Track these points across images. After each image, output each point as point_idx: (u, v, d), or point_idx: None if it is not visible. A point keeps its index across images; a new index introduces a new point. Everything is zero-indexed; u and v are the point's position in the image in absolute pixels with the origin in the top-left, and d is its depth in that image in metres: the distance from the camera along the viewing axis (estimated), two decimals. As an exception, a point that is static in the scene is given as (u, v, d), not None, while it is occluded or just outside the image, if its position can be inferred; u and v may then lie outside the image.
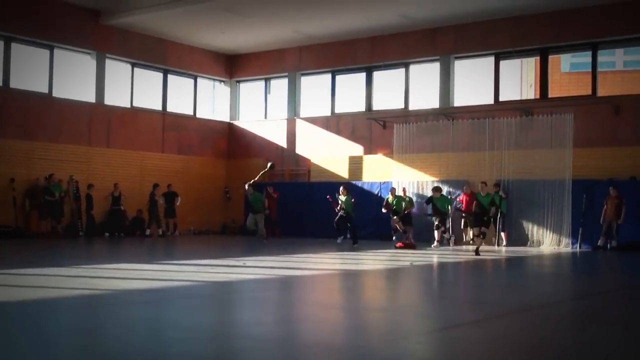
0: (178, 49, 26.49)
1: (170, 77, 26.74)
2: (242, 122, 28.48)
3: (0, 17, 21.05)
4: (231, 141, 28.39)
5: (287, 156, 26.82)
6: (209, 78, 28.41)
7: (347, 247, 18.75)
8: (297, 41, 25.94)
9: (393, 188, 22.08)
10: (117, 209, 23.20)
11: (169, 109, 26.62)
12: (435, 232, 19.94)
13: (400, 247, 19.05)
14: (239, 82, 28.90)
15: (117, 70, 25.01)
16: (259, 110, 28.51)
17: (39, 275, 10.36)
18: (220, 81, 28.80)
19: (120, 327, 6.35)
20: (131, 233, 23.43)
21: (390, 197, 21.37)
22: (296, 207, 24.98)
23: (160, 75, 26.41)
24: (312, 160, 26.14)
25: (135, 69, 25.49)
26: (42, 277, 10.15)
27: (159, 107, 26.31)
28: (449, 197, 21.51)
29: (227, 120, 28.71)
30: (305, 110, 27.12)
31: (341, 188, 20.76)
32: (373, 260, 15.27)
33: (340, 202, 20.54)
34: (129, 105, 25.19)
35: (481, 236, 17.90)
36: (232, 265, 12.99)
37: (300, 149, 26.59)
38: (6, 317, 6.79)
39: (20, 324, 6.38)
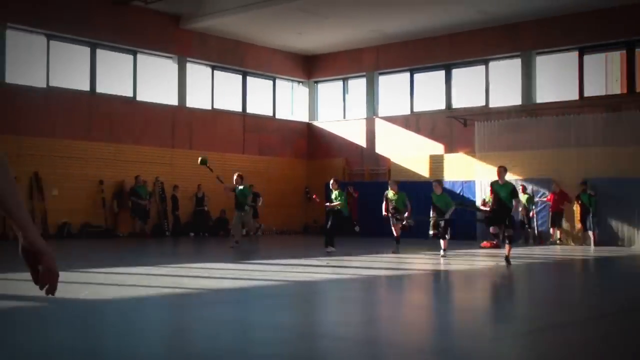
0: (256, 51, 26.82)
1: (249, 79, 27.10)
2: (321, 123, 28.61)
3: (86, 24, 21.75)
4: (310, 141, 28.56)
5: (367, 156, 26.79)
6: (288, 79, 28.66)
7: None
8: (375, 40, 25.88)
9: (392, 182, 18.05)
10: (201, 210, 23.68)
11: (249, 110, 26.98)
12: (435, 235, 15.77)
13: (485, 247, 18.76)
14: (317, 82, 29.05)
15: (198, 73, 25.52)
16: (338, 110, 28.58)
17: (129, 274, 10.65)
18: (299, 82, 29.02)
19: (208, 325, 6.46)
20: (215, 233, 23.85)
21: (390, 193, 17.14)
22: (377, 206, 24.84)
23: (239, 77, 26.80)
24: (392, 160, 26.02)
25: (215, 72, 25.95)
26: (133, 276, 10.42)
27: (239, 109, 26.70)
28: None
29: (306, 120, 28.89)
30: (384, 109, 27.03)
31: (331, 181, 17.31)
32: (455, 261, 15.07)
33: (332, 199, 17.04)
34: (209, 108, 25.66)
35: (501, 238, 14.67)
36: (315, 265, 13.05)
37: (380, 149, 26.51)
38: (99, 314, 7.01)
39: (112, 321, 6.58)
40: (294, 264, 13.20)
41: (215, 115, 25.66)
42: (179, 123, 24.29)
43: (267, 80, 27.85)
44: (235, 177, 17.92)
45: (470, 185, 23.16)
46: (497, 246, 18.63)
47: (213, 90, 25.90)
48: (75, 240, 19.79)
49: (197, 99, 25.28)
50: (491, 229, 14.54)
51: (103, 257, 14.65)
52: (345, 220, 17.28)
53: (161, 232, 22.69)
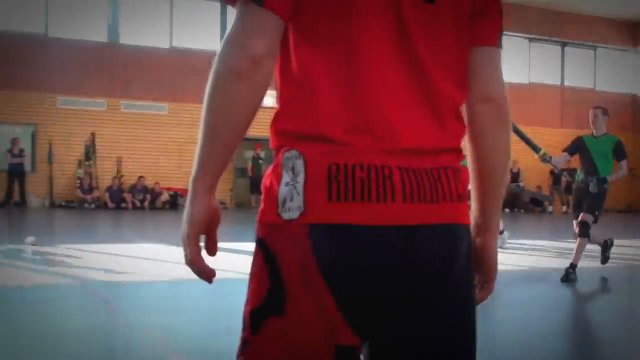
0: (576, 20, 25.66)
1: (567, 49, 26.11)
2: (648, 93, 26.62)
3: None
4: (636, 114, 26.69)
5: (702, 128, 24.36)
6: (610, 48, 27.02)
7: None
8: None
9: None
10: (515, 185, 23.47)
11: (567, 83, 26.02)
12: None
13: None
14: (644, 50, 27.02)
15: (514, 47, 25.16)
16: (668, 79, 26.35)
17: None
18: (623, 50, 27.20)
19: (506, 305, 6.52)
20: (530, 209, 23.52)
21: None
22: None
23: (557, 48, 25.93)
24: None
25: (532, 44, 25.40)
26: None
27: (557, 82, 25.87)
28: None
29: (631, 92, 27.04)
30: None
31: None
32: None
33: None
34: (526, 82, 25.22)
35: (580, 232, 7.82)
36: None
37: None
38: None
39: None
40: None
41: (532, 89, 25.14)
42: (495, 98, 24.21)
43: (588, 50, 26.55)
44: None
45: None
46: None
47: (530, 63, 25.42)
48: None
49: (513, 73, 24.98)
50: (580, 216, 7.87)
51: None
52: None
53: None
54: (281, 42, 1.32)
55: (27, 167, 18.71)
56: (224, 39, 1.30)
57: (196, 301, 6.16)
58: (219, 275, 1.37)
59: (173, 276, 7.34)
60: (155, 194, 19.46)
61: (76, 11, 19.52)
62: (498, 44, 1.46)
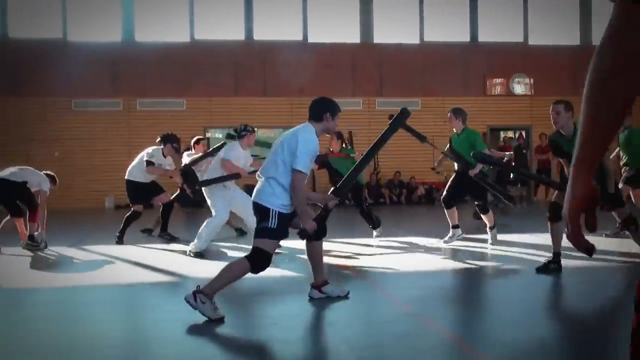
0: None
1: None
2: None
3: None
4: None
5: None
6: None
7: None
8: None
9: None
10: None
11: None
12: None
13: None
14: None
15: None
16: None
17: None
18: None
19: None
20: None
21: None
22: None
23: None
24: None
25: None
26: None
27: None
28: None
29: None
30: None
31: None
32: None
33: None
34: None
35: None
36: None
37: None
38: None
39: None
40: None
41: None
42: None
43: None
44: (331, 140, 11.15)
45: None
46: None
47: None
48: None
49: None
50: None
51: None
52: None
53: None
54: None
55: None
56: (603, 35, 1.41)
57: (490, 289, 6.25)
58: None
59: (437, 266, 7.55)
60: (411, 188, 19.87)
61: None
62: None
